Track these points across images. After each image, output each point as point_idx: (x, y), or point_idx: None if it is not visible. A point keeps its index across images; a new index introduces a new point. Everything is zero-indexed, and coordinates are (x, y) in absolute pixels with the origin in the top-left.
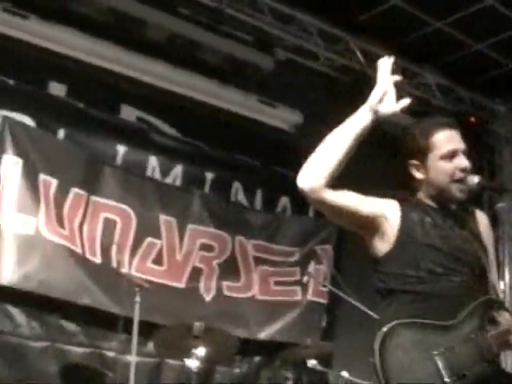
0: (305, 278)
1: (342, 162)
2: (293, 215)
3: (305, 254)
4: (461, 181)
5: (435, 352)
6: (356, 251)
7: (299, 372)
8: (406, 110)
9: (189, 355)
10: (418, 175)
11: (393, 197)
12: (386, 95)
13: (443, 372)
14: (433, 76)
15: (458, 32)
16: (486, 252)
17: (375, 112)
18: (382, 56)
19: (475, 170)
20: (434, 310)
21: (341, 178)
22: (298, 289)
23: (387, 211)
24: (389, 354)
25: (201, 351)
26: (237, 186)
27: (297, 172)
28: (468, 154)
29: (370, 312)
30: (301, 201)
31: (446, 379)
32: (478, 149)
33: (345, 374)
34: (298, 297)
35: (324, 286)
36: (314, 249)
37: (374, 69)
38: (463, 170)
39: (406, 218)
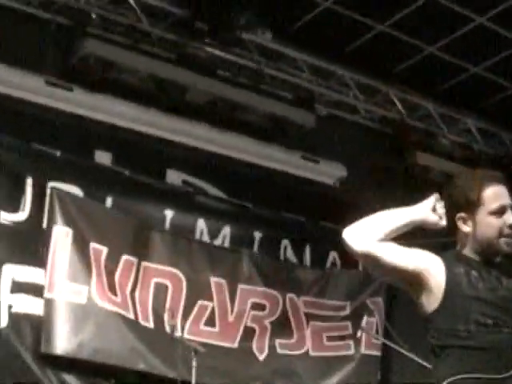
0: (358, 333)
1: (390, 233)
2: (342, 269)
3: (356, 307)
4: (509, 236)
5: None
6: (407, 301)
7: None
8: (449, 156)
9: None
10: (465, 228)
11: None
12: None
13: None
14: (473, 121)
15: (495, 76)
16: None
17: (426, 217)
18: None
19: None
20: (487, 363)
21: None
22: (351, 343)
23: (431, 267)
24: None
25: None
26: (285, 243)
27: (344, 226)
28: None
29: (424, 362)
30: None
31: None
32: None
33: None
34: (352, 351)
35: (377, 338)
36: (365, 302)
37: (414, 118)
38: (511, 227)
39: (451, 272)
